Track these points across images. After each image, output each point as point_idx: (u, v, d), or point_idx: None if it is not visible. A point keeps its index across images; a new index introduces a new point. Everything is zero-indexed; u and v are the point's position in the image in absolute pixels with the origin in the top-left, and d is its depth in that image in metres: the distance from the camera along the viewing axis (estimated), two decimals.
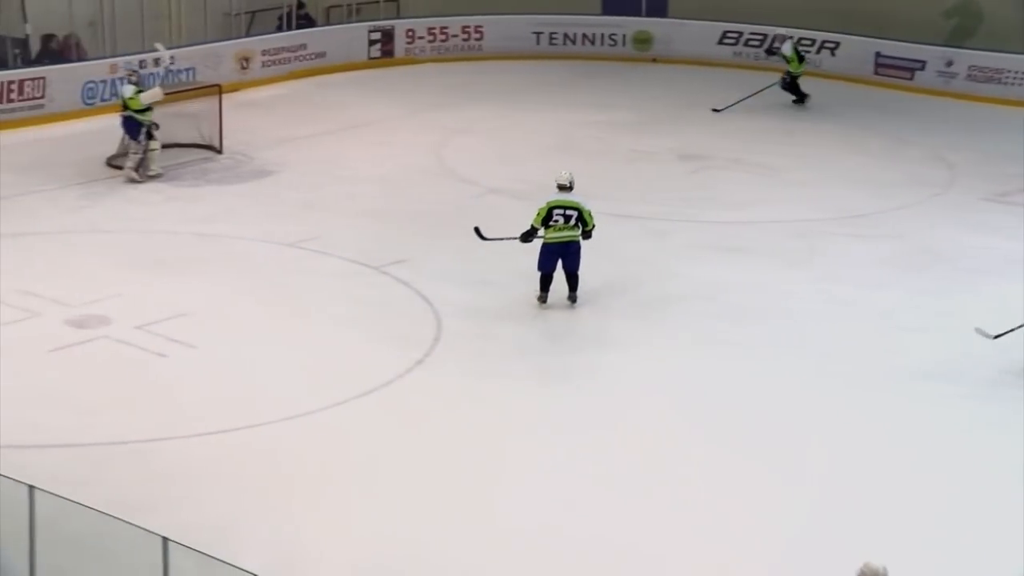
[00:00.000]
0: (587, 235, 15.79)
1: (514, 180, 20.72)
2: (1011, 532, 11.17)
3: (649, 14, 30.48)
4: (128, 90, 20.05)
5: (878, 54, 28.31)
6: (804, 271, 17.37)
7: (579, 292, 15.81)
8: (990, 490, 11.92)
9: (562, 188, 15.91)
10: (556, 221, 15.68)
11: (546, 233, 15.72)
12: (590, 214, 15.78)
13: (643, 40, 29.72)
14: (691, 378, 14.04)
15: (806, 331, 15.40)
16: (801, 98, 26.03)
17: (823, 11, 28.90)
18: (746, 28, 29.50)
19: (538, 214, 15.71)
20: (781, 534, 11.14)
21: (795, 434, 12.84)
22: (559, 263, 15.74)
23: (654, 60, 29.55)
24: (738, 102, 25.09)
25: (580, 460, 12.23)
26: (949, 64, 27.40)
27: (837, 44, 28.76)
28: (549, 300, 15.64)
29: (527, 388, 13.68)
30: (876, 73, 28.31)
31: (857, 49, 28.54)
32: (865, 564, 8.36)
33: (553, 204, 15.74)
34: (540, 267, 15.76)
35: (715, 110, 24.86)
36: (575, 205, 15.78)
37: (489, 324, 15.24)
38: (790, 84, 26.02)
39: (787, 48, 26.00)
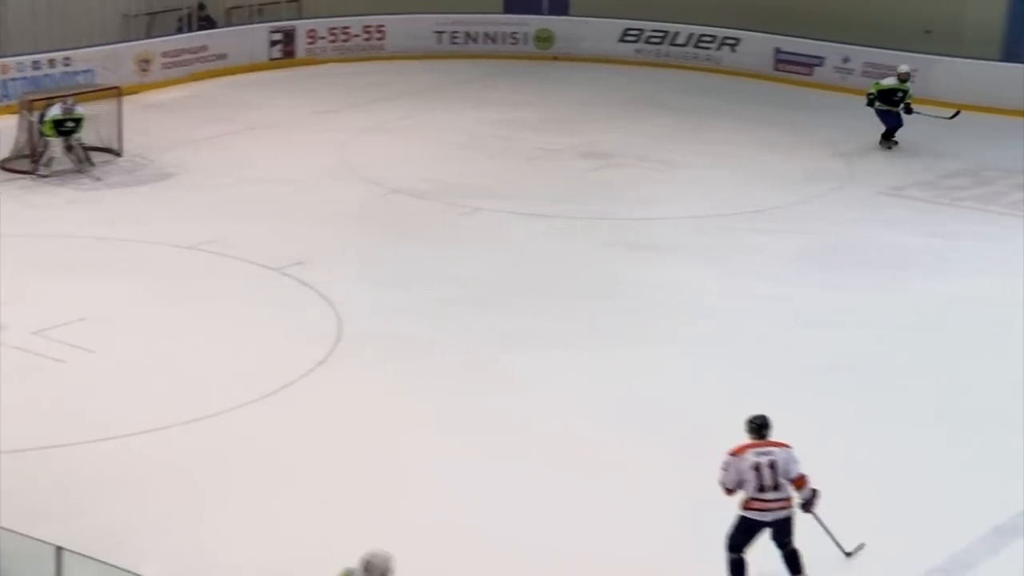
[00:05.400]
0: None
1: (418, 180, 20.68)
2: (909, 523, 11.31)
3: (551, 12, 30.57)
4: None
5: (777, 50, 28.57)
6: (710, 267, 17.45)
7: (491, 290, 16.10)
8: (894, 483, 12.04)
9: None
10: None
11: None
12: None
13: (545, 38, 29.79)
14: (600, 375, 14.05)
15: (714, 326, 15.48)
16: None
17: (723, 7, 29.10)
18: (647, 25, 29.67)
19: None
20: (694, 529, 11.14)
21: (705, 429, 12.80)
22: None
23: (555, 58, 29.62)
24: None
25: (488, 458, 12.21)
26: (846, 60, 27.70)
27: (737, 40, 28.98)
28: (455, 298, 15.78)
29: (432, 387, 13.63)
30: (776, 69, 28.57)
31: (757, 45, 28.78)
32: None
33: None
34: None
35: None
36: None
37: (392, 324, 15.19)
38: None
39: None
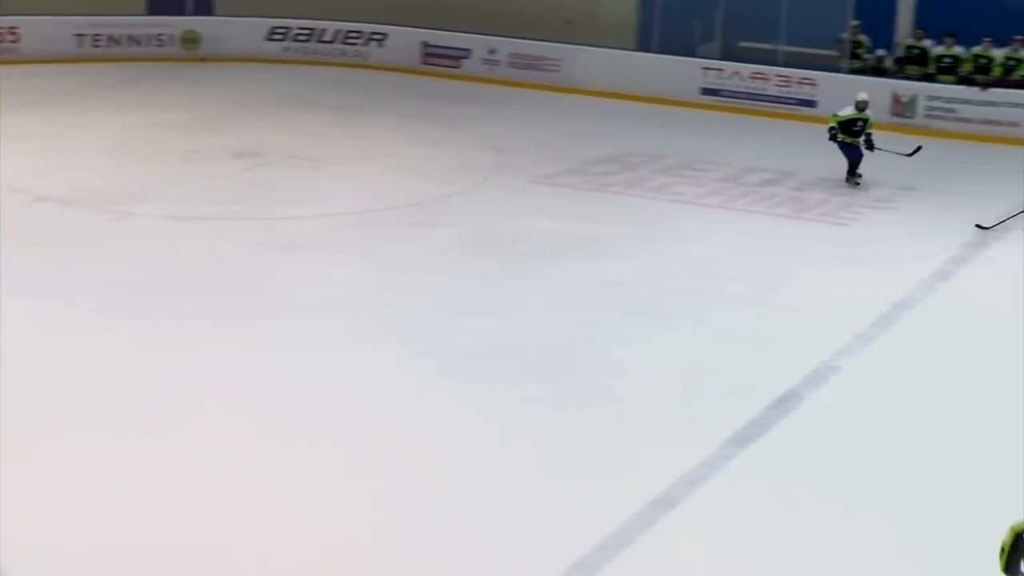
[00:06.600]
0: None
1: (65, 187, 20.10)
2: (569, 502, 11.57)
3: (196, 13, 30.22)
4: None
5: (425, 44, 28.95)
6: (366, 262, 17.50)
7: (145, 295, 15.68)
8: (551, 464, 12.29)
9: None
10: None
11: None
12: None
13: (191, 39, 29.42)
14: (256, 375, 13.91)
15: (373, 321, 15.52)
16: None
17: (369, 3, 29.31)
18: (294, 23, 29.67)
19: None
20: (356, 526, 11.18)
21: (364, 424, 12.88)
22: None
23: (203, 59, 29.30)
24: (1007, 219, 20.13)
25: (152, 462, 11.92)
26: (492, 52, 28.28)
27: (385, 35, 29.24)
28: (109, 306, 15.41)
29: (90, 396, 13.24)
30: (424, 63, 28.95)
31: (404, 39, 29.11)
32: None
33: None
34: None
35: (980, 227, 19.67)
36: None
37: (45, 335, 14.68)
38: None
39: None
